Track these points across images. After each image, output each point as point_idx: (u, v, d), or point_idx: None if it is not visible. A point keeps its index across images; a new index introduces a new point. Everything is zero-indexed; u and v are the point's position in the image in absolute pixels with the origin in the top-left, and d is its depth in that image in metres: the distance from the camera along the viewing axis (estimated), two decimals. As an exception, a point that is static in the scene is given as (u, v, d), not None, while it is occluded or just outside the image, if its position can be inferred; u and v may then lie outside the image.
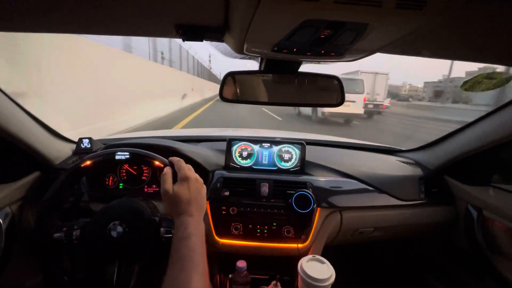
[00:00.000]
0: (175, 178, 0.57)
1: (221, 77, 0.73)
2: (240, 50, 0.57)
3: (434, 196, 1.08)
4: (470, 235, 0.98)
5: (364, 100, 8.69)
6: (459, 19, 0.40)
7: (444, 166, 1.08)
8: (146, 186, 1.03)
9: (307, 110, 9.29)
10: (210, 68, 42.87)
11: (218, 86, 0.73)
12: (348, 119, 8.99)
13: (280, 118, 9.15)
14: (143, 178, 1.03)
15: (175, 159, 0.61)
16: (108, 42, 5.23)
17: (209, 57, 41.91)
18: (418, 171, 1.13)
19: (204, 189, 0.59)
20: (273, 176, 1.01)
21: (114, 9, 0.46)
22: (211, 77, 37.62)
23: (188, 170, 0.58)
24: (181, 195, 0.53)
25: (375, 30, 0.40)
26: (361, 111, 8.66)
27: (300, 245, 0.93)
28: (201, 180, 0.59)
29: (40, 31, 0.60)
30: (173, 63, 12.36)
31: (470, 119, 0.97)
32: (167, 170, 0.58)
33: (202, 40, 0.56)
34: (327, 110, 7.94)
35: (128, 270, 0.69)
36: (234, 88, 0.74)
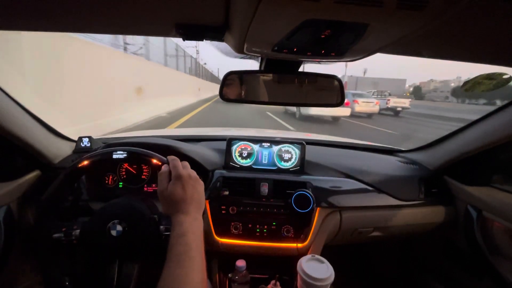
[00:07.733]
0: (171, 177, 0.57)
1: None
2: (240, 50, 0.57)
3: (433, 196, 1.08)
4: (470, 236, 0.98)
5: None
6: (460, 19, 0.40)
7: (444, 166, 1.08)
8: (145, 185, 1.03)
9: (292, 108, 9.93)
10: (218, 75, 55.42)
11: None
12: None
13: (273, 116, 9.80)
14: (142, 177, 1.03)
15: (170, 157, 0.60)
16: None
17: (218, 70, 56.29)
18: (417, 171, 1.13)
19: (200, 185, 0.58)
20: (273, 175, 1.01)
21: (114, 8, 0.46)
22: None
23: (183, 168, 0.57)
24: (175, 194, 0.53)
25: (375, 30, 0.39)
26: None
27: (299, 245, 0.93)
28: (195, 176, 0.58)
29: (40, 30, 0.60)
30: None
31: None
32: (164, 170, 0.57)
33: (202, 40, 0.56)
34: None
35: (129, 269, 0.69)
36: (234, 88, 0.74)
